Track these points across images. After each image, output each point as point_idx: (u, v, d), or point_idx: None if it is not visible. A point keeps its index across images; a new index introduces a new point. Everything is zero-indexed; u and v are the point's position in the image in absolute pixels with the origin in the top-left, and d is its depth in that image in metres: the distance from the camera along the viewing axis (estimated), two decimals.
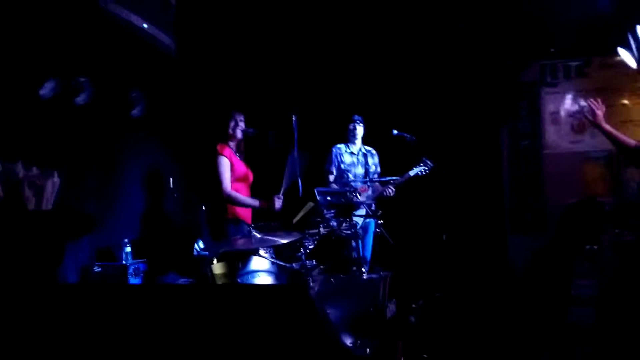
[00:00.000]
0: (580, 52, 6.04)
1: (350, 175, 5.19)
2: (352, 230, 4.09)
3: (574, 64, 6.13)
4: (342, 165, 5.29)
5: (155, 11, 4.45)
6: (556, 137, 6.17)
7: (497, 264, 5.98)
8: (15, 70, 3.53)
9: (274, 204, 4.34)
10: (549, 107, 6.20)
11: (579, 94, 6.08)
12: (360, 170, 5.29)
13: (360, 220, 4.74)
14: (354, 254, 4.49)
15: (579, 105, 6.02)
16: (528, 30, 5.68)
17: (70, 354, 0.94)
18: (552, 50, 5.96)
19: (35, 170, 1.18)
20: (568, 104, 6.14)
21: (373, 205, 4.74)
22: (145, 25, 4.27)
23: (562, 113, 6.16)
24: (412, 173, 5.18)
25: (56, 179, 1.21)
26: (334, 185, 5.20)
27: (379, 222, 4.51)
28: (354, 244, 4.70)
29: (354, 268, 3.96)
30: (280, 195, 4.35)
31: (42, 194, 1.21)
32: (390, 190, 5.13)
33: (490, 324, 4.78)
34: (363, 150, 5.36)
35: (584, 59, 6.09)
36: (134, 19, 4.11)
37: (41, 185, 1.22)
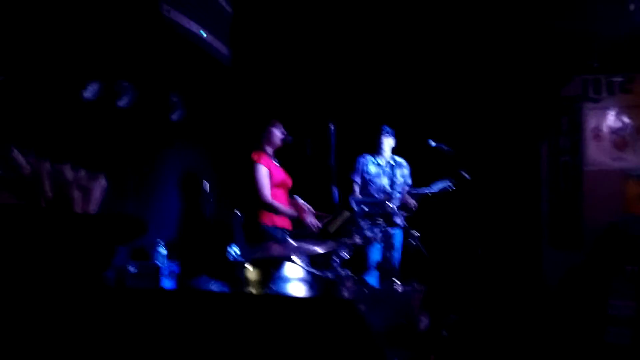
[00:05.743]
0: (624, 67, 5.91)
1: (374, 186, 5.20)
2: (379, 237, 4.08)
3: (617, 79, 5.99)
4: (366, 176, 5.28)
5: (212, 20, 4.51)
6: (597, 154, 6.02)
7: (532, 279, 5.88)
8: (61, 72, 3.60)
9: (308, 220, 4.35)
10: (591, 123, 6.06)
11: (622, 110, 5.95)
12: (385, 181, 5.26)
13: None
14: (385, 264, 4.48)
15: (622, 122, 5.90)
16: (570, 44, 5.60)
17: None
18: (595, 65, 5.84)
19: (83, 172, 1.19)
20: (611, 120, 6.01)
21: (402, 217, 4.72)
22: (204, 34, 4.32)
23: (604, 129, 6.02)
24: (435, 188, 5.12)
25: (103, 182, 1.22)
26: (358, 195, 5.20)
27: (415, 234, 4.47)
28: (386, 253, 4.70)
29: (386, 278, 3.95)
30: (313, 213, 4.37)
31: (90, 196, 1.22)
32: (412, 202, 5.11)
33: (524, 340, 4.69)
34: (392, 162, 5.33)
35: (628, 75, 5.95)
36: (194, 27, 4.16)
37: (89, 187, 1.23)
